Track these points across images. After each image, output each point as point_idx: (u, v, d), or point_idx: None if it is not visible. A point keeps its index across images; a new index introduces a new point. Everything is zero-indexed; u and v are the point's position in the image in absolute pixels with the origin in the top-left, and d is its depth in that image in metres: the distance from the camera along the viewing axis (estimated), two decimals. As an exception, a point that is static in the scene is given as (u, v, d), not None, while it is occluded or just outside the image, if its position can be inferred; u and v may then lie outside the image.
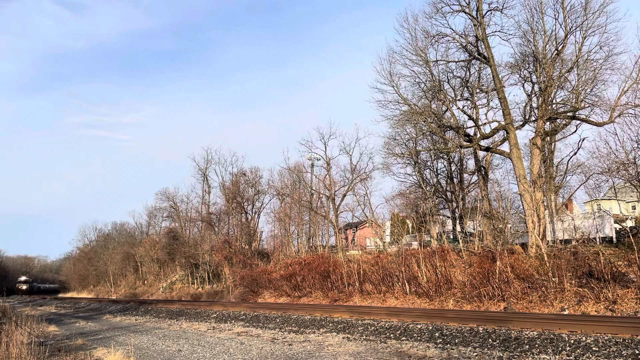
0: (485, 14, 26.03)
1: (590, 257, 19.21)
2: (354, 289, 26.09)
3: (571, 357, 9.38)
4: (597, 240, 23.13)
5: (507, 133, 25.77)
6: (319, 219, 43.15)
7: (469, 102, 29.58)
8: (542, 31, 25.13)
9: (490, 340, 11.21)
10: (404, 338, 12.68)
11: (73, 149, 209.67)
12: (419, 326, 13.37)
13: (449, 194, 37.15)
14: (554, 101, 25.97)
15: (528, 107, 26.88)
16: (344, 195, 40.16)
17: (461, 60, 28.20)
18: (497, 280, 19.73)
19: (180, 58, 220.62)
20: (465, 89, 29.30)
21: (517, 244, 24.84)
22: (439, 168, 37.98)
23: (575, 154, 28.40)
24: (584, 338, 10.07)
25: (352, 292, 25.93)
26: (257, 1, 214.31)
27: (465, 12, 26.35)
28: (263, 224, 72.94)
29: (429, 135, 32.17)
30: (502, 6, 25.73)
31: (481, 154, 32.51)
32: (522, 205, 24.95)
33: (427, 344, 11.78)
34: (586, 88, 24.04)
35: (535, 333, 10.96)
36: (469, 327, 12.43)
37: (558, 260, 19.37)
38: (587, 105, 24.44)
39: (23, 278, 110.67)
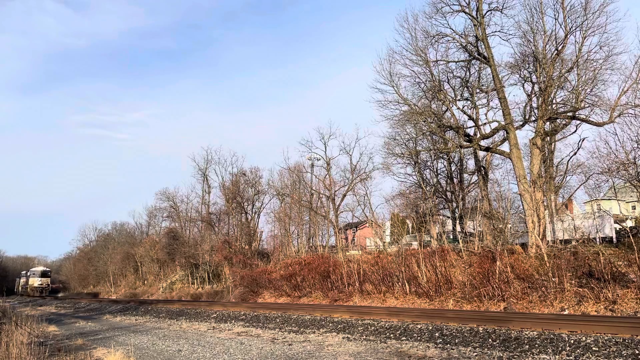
0: (485, 14, 26.04)
1: (590, 257, 19.21)
2: (354, 289, 26.08)
3: (571, 357, 9.38)
4: (597, 240, 23.13)
5: (507, 133, 25.77)
6: (319, 219, 43.15)
7: (469, 102, 29.59)
8: (542, 31, 25.15)
9: (490, 340, 11.20)
10: (404, 338, 12.68)
11: (74, 149, 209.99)
12: (419, 326, 13.36)
13: (449, 194, 37.15)
14: (554, 101, 25.97)
15: (528, 107, 26.89)
16: (344, 195, 40.20)
17: (461, 60, 28.21)
18: (497, 280, 19.72)
19: (182, 57, 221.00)
20: (465, 89, 29.30)
21: (517, 244, 24.83)
22: (439, 168, 38.04)
23: (575, 154, 28.45)
24: (584, 338, 10.07)
25: (352, 292, 25.92)
26: (260, 0, 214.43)
27: (465, 12, 26.35)
28: (263, 224, 72.73)
29: (429, 135, 32.18)
30: (502, 6, 25.76)
31: (481, 154, 32.53)
32: (522, 205, 24.95)
33: (427, 344, 11.78)
34: (586, 88, 24.04)
35: (535, 333, 10.96)
36: (469, 327, 12.43)
37: (558, 260, 19.37)
38: (587, 105, 24.44)
39: (40, 269, 73.28)
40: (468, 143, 28.06)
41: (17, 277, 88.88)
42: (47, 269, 73.79)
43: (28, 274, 71.07)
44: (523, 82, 27.20)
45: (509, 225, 26.42)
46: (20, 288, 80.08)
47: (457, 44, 27.15)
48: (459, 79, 29.10)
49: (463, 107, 29.21)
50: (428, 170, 38.06)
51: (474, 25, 26.25)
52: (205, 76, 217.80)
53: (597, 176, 26.88)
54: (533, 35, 25.26)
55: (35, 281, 67.21)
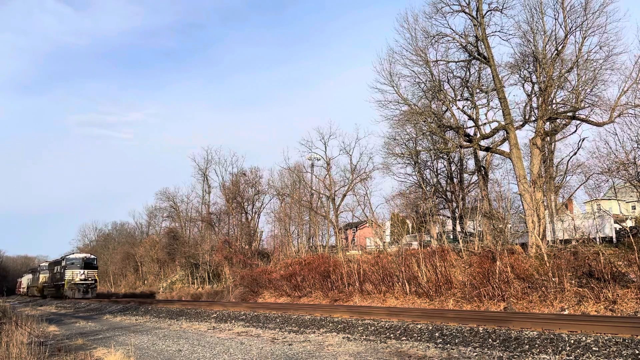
0: (485, 14, 26.03)
1: (590, 257, 19.21)
2: (354, 289, 26.09)
3: (571, 357, 9.39)
4: (597, 240, 23.13)
5: (507, 133, 25.77)
6: (319, 219, 43.19)
7: (469, 102, 29.59)
8: (542, 31, 25.16)
9: (490, 340, 11.20)
10: (404, 338, 12.68)
11: (74, 148, 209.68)
12: (419, 326, 13.36)
13: (449, 194, 37.17)
14: (554, 101, 25.98)
15: (528, 107, 26.90)
16: (344, 195, 40.25)
17: (461, 60, 28.21)
18: (497, 280, 19.73)
19: (183, 57, 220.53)
20: (465, 89, 29.31)
21: (517, 244, 24.84)
22: (439, 168, 38.08)
23: (575, 154, 28.47)
24: (584, 338, 10.07)
25: (352, 292, 25.93)
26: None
27: (465, 12, 26.35)
28: (263, 224, 73.08)
29: (429, 135, 32.19)
30: (502, 6, 25.75)
31: (481, 154, 32.54)
32: (522, 205, 24.96)
33: (427, 344, 11.78)
34: (586, 88, 24.05)
35: (535, 333, 10.96)
36: (469, 327, 12.43)
37: (558, 260, 19.38)
38: (587, 105, 24.47)
39: (81, 255, 47.65)
40: (468, 143, 28.06)
41: (29, 273, 73.18)
42: (92, 256, 49.38)
43: (63, 263, 46.19)
44: (523, 82, 27.23)
45: (509, 225, 26.43)
46: (42, 288, 57.74)
47: (457, 44, 27.17)
48: (459, 79, 29.11)
49: (463, 107, 29.24)
50: (428, 170, 38.12)
51: (474, 25, 26.25)
52: (206, 76, 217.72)
53: (597, 176, 26.93)
54: (533, 35, 25.28)
55: (76, 275, 44.17)
